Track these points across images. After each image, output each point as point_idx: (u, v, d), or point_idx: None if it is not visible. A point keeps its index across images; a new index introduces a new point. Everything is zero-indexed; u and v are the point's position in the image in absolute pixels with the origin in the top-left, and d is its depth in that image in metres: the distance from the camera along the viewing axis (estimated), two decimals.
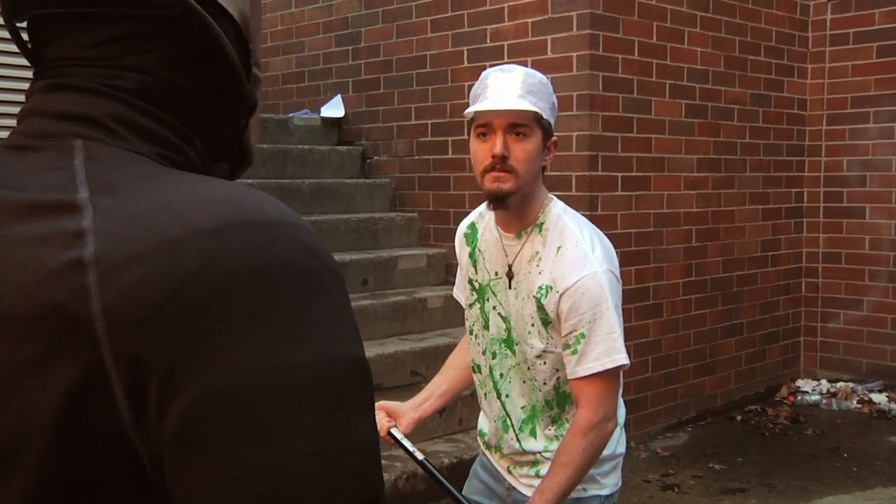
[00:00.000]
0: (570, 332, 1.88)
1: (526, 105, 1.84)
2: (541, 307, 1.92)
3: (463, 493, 2.06)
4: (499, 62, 4.80)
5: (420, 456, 2.00)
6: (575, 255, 1.89)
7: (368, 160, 5.70)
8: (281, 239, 0.66)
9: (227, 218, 0.66)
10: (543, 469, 2.00)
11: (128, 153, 0.72)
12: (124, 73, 0.75)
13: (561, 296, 1.88)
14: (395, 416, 2.12)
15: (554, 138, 1.96)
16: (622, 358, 1.89)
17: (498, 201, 1.90)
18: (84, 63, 0.75)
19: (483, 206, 2.15)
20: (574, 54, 4.59)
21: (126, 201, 0.67)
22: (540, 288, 1.91)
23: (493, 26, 4.94)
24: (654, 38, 4.87)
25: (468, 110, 1.92)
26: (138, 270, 0.63)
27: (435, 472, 1.98)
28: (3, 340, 0.64)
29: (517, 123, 1.86)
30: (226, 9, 0.80)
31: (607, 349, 1.87)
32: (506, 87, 1.87)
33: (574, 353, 1.89)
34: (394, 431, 2.06)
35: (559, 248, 1.92)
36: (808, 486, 4.33)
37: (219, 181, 0.72)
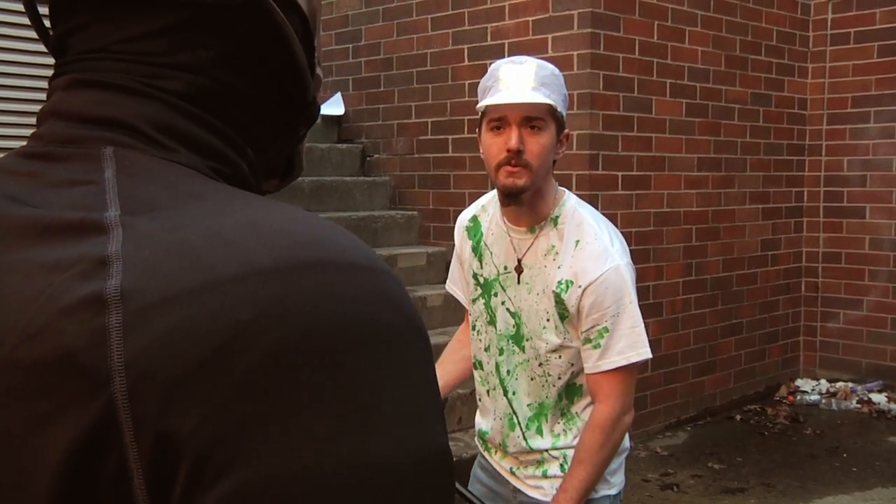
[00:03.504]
0: (593, 327, 1.86)
1: (540, 97, 1.80)
2: (560, 302, 1.89)
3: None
4: None
5: None
6: (596, 249, 1.87)
7: (368, 158, 5.69)
8: (360, 287, 0.53)
9: (293, 255, 0.52)
10: (550, 468, 1.99)
11: (170, 164, 0.60)
12: (173, 73, 0.63)
13: (584, 290, 1.85)
14: None
15: (566, 131, 1.93)
16: (646, 351, 1.89)
17: (512, 197, 1.87)
18: (123, 57, 0.62)
19: (485, 199, 2.12)
20: (575, 53, 4.59)
21: (166, 224, 0.54)
22: (559, 283, 1.88)
23: (493, 24, 4.93)
24: (655, 37, 4.87)
25: (481, 103, 1.86)
26: (176, 316, 0.49)
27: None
28: (1, 395, 0.51)
29: (532, 116, 1.82)
30: (297, 2, 0.68)
31: (631, 342, 1.87)
32: (519, 79, 1.82)
33: (596, 347, 1.87)
34: None
35: (578, 241, 1.89)
36: (807, 486, 4.33)
37: (279, 204, 0.58)
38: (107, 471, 0.49)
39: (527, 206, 1.91)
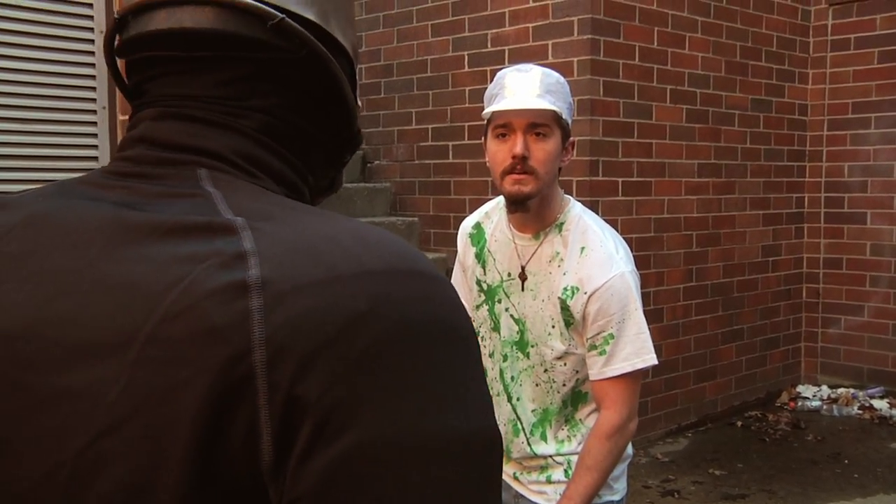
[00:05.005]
0: (598, 333, 1.87)
1: (546, 105, 1.81)
2: (565, 308, 1.89)
3: None
4: (500, 67, 4.79)
5: None
6: (601, 256, 1.88)
7: (369, 164, 5.69)
8: (439, 293, 0.64)
9: (394, 263, 0.63)
10: (554, 474, 1.98)
11: (257, 187, 0.70)
12: (249, 113, 0.73)
13: (589, 297, 1.86)
14: None
15: (572, 139, 1.93)
16: (651, 358, 1.89)
17: (518, 204, 1.87)
18: (203, 98, 0.72)
19: (488, 206, 2.12)
20: (575, 59, 4.59)
21: (285, 229, 0.63)
22: (565, 289, 1.89)
23: (493, 31, 4.94)
24: (655, 44, 4.87)
25: (487, 110, 1.87)
26: (307, 302, 0.59)
27: None
28: (144, 365, 0.59)
29: (537, 123, 1.82)
30: (344, 46, 0.78)
31: (637, 349, 1.87)
32: (524, 87, 1.82)
33: (602, 353, 1.87)
34: None
35: (583, 248, 1.89)
36: (808, 492, 4.32)
37: (367, 224, 0.69)
38: (237, 428, 0.57)
39: (533, 213, 1.91)
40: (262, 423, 0.57)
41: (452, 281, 2.24)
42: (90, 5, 4.07)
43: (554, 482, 1.99)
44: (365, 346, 0.58)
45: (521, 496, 2.05)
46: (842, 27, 5.80)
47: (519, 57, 4.76)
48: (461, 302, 0.66)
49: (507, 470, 2.08)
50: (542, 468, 2.01)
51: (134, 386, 0.59)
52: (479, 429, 0.62)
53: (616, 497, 2.01)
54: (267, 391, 0.57)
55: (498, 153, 1.85)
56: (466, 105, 4.94)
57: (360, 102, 0.82)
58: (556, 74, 1.89)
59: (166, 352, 0.59)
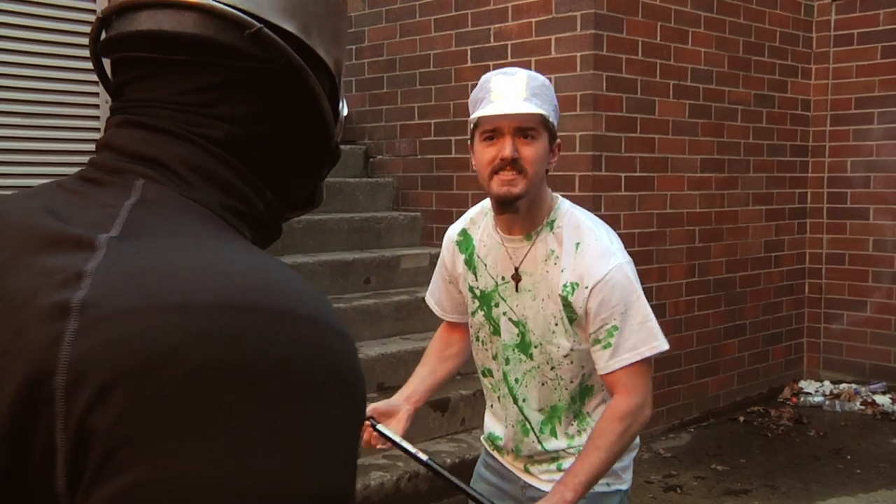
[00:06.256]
0: (602, 327, 1.87)
1: (533, 108, 1.82)
2: (567, 304, 1.90)
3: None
4: (502, 62, 4.80)
5: (411, 448, 1.93)
6: (597, 250, 1.88)
7: (371, 159, 5.70)
8: (290, 334, 0.58)
9: (234, 297, 0.59)
10: (565, 462, 1.99)
11: (185, 201, 0.69)
12: (213, 122, 0.73)
13: (591, 291, 1.86)
14: (390, 414, 2.08)
15: (558, 140, 1.94)
16: (660, 345, 1.89)
17: (508, 205, 1.87)
18: (170, 106, 0.73)
19: (472, 212, 2.12)
20: (578, 54, 4.58)
21: (139, 251, 0.62)
22: (565, 286, 1.89)
23: (496, 26, 4.93)
24: (658, 39, 4.86)
25: (474, 115, 1.87)
26: (118, 329, 0.57)
27: (419, 458, 1.92)
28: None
29: (525, 126, 1.84)
30: (325, 60, 0.77)
31: (644, 337, 1.87)
32: (510, 91, 1.83)
33: (606, 346, 1.87)
34: (388, 433, 1.99)
35: (578, 244, 1.90)
36: (810, 487, 4.32)
37: (252, 254, 0.66)
38: (35, 447, 0.57)
39: (522, 215, 1.92)
40: (58, 448, 0.56)
41: (430, 288, 2.25)
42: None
43: (565, 470, 1.97)
44: (165, 382, 0.55)
45: (530, 486, 2.05)
46: (845, 22, 5.79)
47: (522, 52, 4.76)
48: (340, 353, 0.60)
49: (517, 465, 2.08)
50: (554, 458, 2.03)
51: None
52: (299, 490, 0.55)
53: (624, 486, 2.02)
54: (64, 416, 0.56)
55: (485, 154, 1.86)
56: (469, 100, 4.93)
57: (344, 110, 0.82)
58: (541, 77, 1.89)
59: (4, 366, 0.59)
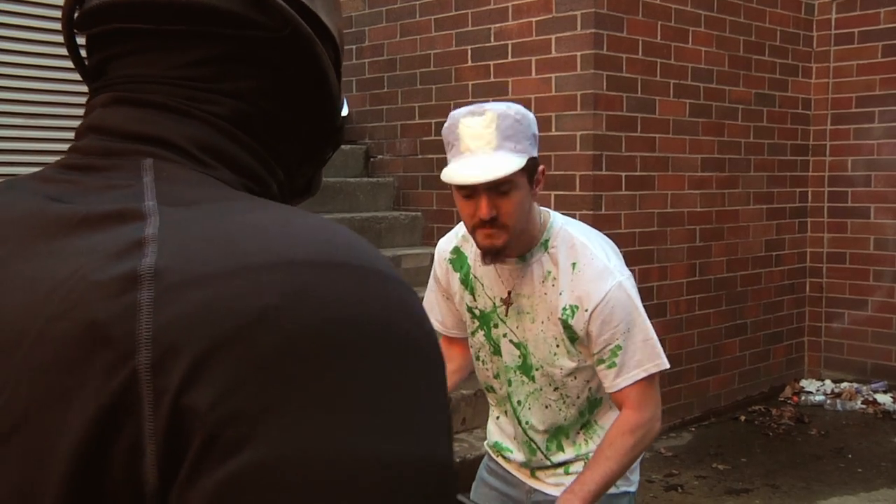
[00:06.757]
0: (605, 347, 1.84)
1: (502, 166, 1.71)
2: (567, 327, 1.86)
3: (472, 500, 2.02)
4: (503, 61, 4.80)
5: None
6: (595, 270, 1.84)
7: (372, 159, 5.69)
8: (382, 293, 0.54)
9: (326, 253, 0.54)
10: (573, 467, 1.98)
11: (205, 176, 0.62)
12: (216, 97, 0.65)
13: (591, 314, 1.82)
14: None
15: (541, 167, 1.84)
16: (663, 363, 1.87)
17: (494, 255, 1.83)
18: (166, 81, 0.65)
19: (463, 228, 2.01)
20: (578, 53, 4.58)
21: (204, 215, 0.56)
22: (564, 309, 1.85)
23: (496, 25, 4.93)
24: (659, 38, 4.86)
25: (444, 175, 1.77)
26: (205, 294, 0.50)
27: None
28: (27, 371, 0.52)
29: (499, 183, 1.73)
30: (330, 30, 0.70)
31: (648, 355, 1.85)
32: (480, 139, 1.72)
33: (611, 366, 1.85)
34: None
35: (574, 264, 1.85)
36: (812, 486, 4.32)
37: (310, 214, 0.59)
38: (121, 447, 0.49)
39: (510, 250, 1.85)
40: (146, 440, 0.48)
41: (424, 302, 2.17)
42: None
43: (572, 473, 1.97)
44: (272, 348, 0.49)
45: (535, 490, 2.04)
46: (846, 21, 5.78)
47: (522, 51, 4.75)
48: (422, 310, 0.57)
49: (523, 470, 2.07)
50: (562, 464, 2.02)
51: (16, 398, 0.52)
52: (417, 457, 0.51)
53: (632, 489, 2.01)
54: (152, 400, 0.48)
55: (465, 208, 1.80)
56: (469, 100, 4.93)
57: (344, 98, 0.76)
58: (512, 111, 1.75)
59: (48, 355, 0.51)
